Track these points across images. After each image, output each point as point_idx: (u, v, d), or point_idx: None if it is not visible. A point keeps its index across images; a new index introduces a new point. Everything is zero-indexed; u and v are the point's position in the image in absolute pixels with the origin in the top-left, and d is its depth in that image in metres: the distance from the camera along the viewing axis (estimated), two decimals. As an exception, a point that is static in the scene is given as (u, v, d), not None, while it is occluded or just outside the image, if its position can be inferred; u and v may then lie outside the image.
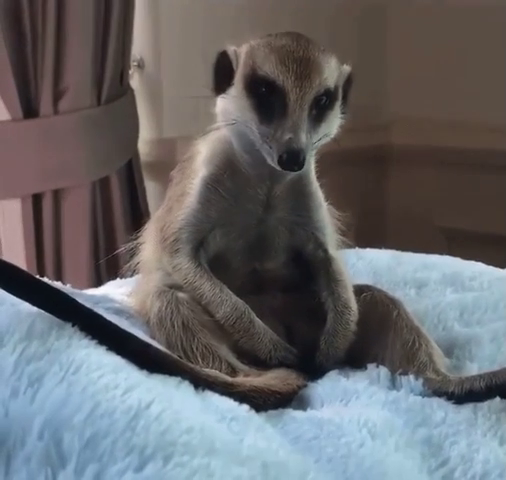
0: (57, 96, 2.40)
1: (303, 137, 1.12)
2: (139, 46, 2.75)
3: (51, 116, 2.40)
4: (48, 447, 0.80)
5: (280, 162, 1.12)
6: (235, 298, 1.21)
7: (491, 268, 1.67)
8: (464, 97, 3.28)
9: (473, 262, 1.71)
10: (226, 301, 1.21)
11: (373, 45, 3.49)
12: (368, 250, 1.77)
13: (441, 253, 1.80)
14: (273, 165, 1.15)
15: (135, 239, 1.40)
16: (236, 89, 1.20)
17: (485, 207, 3.25)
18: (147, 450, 0.79)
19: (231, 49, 1.24)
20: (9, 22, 2.26)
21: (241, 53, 1.22)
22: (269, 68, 1.15)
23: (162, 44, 2.81)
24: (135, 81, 2.79)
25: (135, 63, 2.78)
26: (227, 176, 1.26)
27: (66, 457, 0.79)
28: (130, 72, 2.71)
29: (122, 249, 1.44)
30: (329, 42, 1.21)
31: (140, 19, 2.69)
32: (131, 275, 1.46)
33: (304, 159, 1.12)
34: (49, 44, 2.33)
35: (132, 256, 1.41)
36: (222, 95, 1.23)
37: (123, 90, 2.62)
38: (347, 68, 1.25)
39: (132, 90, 2.69)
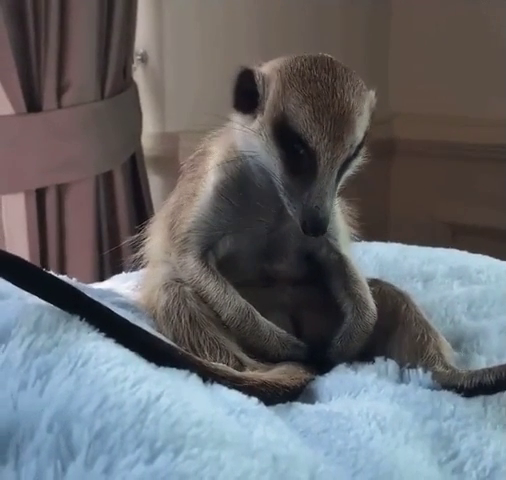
0: (60, 90, 2.40)
1: (329, 205, 1.09)
2: (142, 40, 2.75)
3: (54, 110, 2.40)
4: (57, 439, 0.80)
5: (303, 228, 1.10)
6: (239, 300, 1.20)
7: (498, 261, 1.66)
8: (467, 92, 3.29)
9: (480, 255, 1.70)
10: (230, 303, 1.19)
11: (377, 42, 3.49)
12: (374, 244, 1.75)
13: (445, 246, 1.79)
14: (294, 220, 1.13)
15: (140, 231, 1.40)
16: (261, 126, 1.14)
17: (488, 201, 3.25)
18: (157, 443, 0.79)
19: (258, 72, 1.16)
20: (12, 16, 2.26)
21: (269, 81, 1.14)
22: (302, 124, 1.08)
23: (165, 38, 2.80)
24: (138, 75, 2.79)
25: (138, 57, 2.78)
26: (240, 188, 1.23)
27: (76, 449, 0.79)
28: (133, 66, 2.71)
29: (127, 241, 1.43)
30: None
31: (143, 13, 2.69)
32: (135, 268, 1.45)
33: (327, 225, 1.10)
34: (52, 38, 2.33)
35: (136, 249, 1.40)
36: (244, 128, 1.17)
37: (126, 84, 2.62)
38: (373, 98, 1.18)
39: (135, 84, 2.69)
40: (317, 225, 1.10)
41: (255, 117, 1.16)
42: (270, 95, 1.14)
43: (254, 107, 1.16)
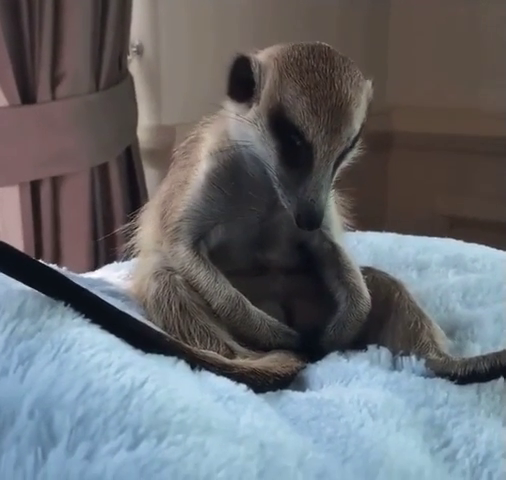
0: (55, 82, 2.37)
1: (324, 198, 1.08)
2: (138, 32, 2.73)
3: (49, 102, 2.38)
4: (39, 426, 0.79)
5: (298, 221, 1.09)
6: (229, 289, 1.19)
7: (493, 250, 1.65)
8: (465, 85, 3.28)
9: (475, 244, 1.70)
10: (220, 292, 1.18)
11: (375, 35, 3.49)
12: (368, 233, 1.75)
13: (442, 237, 1.78)
14: (288, 213, 1.11)
15: (132, 220, 1.38)
16: (257, 116, 1.12)
17: (487, 194, 3.24)
18: (140, 429, 0.78)
19: (255, 59, 1.14)
20: (6, 7, 2.23)
21: (266, 69, 1.12)
22: (299, 116, 1.06)
23: (161, 30, 2.78)
24: (134, 67, 2.77)
25: (134, 49, 2.76)
26: (232, 177, 1.22)
27: (57, 436, 0.78)
28: (129, 58, 2.69)
29: (120, 229, 1.42)
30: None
31: (139, 5, 2.67)
32: (126, 257, 1.44)
33: (321, 219, 1.09)
34: (47, 29, 2.30)
35: (128, 238, 1.39)
36: (239, 117, 1.15)
37: (121, 76, 2.60)
38: (370, 88, 1.16)
39: (131, 76, 2.66)
40: (312, 219, 1.08)
41: (250, 106, 1.14)
42: (266, 84, 1.12)
43: (249, 96, 1.14)
